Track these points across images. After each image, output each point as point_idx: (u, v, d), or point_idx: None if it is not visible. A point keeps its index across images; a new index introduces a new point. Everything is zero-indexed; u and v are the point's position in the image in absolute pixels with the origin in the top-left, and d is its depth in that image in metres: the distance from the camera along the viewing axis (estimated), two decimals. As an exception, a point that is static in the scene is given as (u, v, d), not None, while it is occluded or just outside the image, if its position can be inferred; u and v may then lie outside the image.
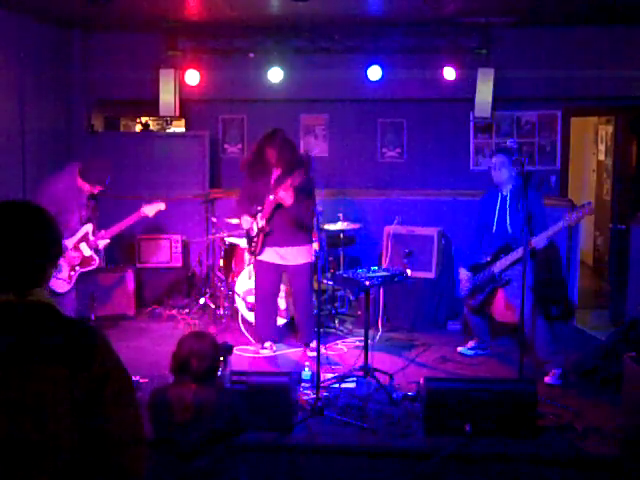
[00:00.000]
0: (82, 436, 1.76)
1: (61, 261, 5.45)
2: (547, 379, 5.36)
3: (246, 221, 6.01)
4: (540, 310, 5.49)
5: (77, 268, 5.71)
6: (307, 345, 6.07)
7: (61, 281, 5.61)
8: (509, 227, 5.53)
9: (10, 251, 1.80)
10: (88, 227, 5.73)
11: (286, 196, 5.69)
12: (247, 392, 4.30)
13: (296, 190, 5.70)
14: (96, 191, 5.65)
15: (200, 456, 3.20)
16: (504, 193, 5.60)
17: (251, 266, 6.54)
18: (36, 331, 1.76)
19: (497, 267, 5.52)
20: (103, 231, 5.81)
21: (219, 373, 3.55)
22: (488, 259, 5.62)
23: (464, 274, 5.76)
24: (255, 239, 6.00)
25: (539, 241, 5.22)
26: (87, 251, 5.73)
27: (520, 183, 5.24)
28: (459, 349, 6.16)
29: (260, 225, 5.93)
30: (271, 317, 6.15)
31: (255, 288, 6.18)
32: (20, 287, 1.80)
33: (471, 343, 6.15)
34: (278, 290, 6.16)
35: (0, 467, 1.70)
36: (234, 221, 6.86)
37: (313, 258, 5.81)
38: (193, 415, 3.23)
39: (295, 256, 5.94)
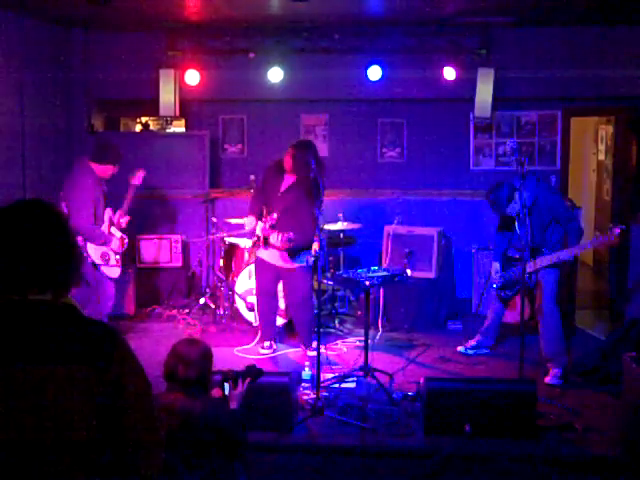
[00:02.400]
0: (102, 436, 1.77)
1: (108, 249, 6.03)
2: (547, 379, 5.37)
3: (250, 222, 5.99)
4: (558, 309, 5.50)
5: (115, 252, 6.14)
6: (307, 347, 6.06)
7: (114, 268, 6.05)
8: (532, 231, 5.38)
9: (52, 252, 1.82)
10: (108, 212, 6.13)
11: (275, 242, 5.76)
12: (247, 392, 4.29)
13: (301, 193, 5.70)
14: (111, 172, 6.01)
15: (190, 470, 3.09)
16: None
17: (251, 266, 6.55)
18: (63, 332, 1.78)
19: (530, 268, 5.38)
20: (119, 211, 6.22)
21: (226, 392, 3.36)
22: (517, 256, 5.58)
23: (496, 267, 5.78)
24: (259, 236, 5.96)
25: (565, 254, 5.29)
26: (118, 233, 6.18)
27: (538, 191, 5.34)
28: (459, 348, 6.16)
29: (268, 225, 5.84)
30: (270, 316, 6.14)
31: (255, 287, 6.18)
32: (59, 287, 1.83)
33: (471, 342, 6.15)
34: (276, 289, 6.15)
35: (25, 467, 1.72)
36: (234, 221, 6.86)
37: (309, 262, 5.75)
38: (178, 426, 3.08)
39: (289, 259, 5.89)
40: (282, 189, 5.90)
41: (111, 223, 6.13)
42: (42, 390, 1.73)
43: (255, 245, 6.13)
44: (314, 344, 5.94)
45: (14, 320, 1.77)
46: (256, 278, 6.15)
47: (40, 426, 1.72)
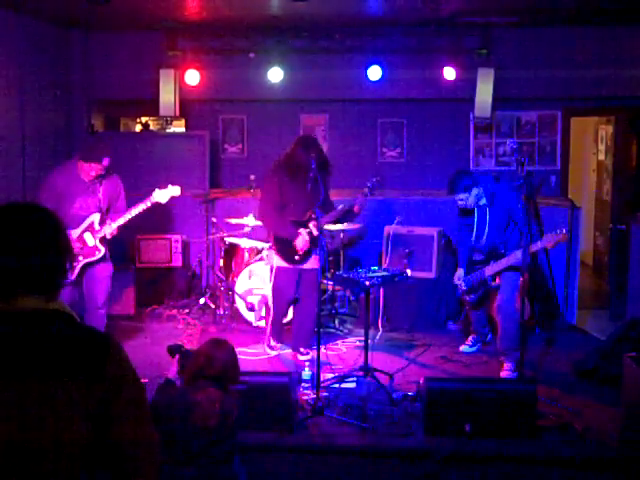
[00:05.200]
0: (97, 444, 1.76)
1: None
2: (502, 374, 5.46)
3: (303, 239, 5.67)
4: (517, 308, 5.52)
5: (80, 258, 5.55)
6: (298, 350, 6.02)
7: None
8: (489, 234, 5.60)
9: (39, 253, 1.80)
10: (94, 217, 5.58)
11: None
12: (247, 392, 4.29)
13: (320, 181, 5.72)
14: (94, 172, 5.44)
15: (197, 461, 3.15)
16: (480, 203, 5.63)
17: (251, 266, 6.55)
18: (55, 342, 1.76)
19: (488, 271, 5.58)
20: (109, 220, 5.62)
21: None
22: (481, 258, 5.67)
23: (459, 273, 5.82)
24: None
25: (516, 256, 5.27)
26: (91, 241, 5.57)
27: (490, 191, 5.52)
28: (461, 348, 6.18)
29: (315, 233, 5.64)
30: (282, 321, 6.16)
31: (274, 292, 5.97)
32: (47, 291, 1.81)
33: (470, 339, 6.18)
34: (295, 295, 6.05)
35: (17, 477, 1.71)
36: (234, 221, 6.86)
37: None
38: (218, 422, 3.22)
39: (314, 260, 5.81)
40: (308, 186, 5.68)
41: (90, 229, 5.57)
42: (36, 402, 1.71)
43: (299, 258, 5.76)
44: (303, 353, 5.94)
45: (3, 331, 1.75)
46: (279, 286, 5.90)
47: (36, 437, 1.71)
